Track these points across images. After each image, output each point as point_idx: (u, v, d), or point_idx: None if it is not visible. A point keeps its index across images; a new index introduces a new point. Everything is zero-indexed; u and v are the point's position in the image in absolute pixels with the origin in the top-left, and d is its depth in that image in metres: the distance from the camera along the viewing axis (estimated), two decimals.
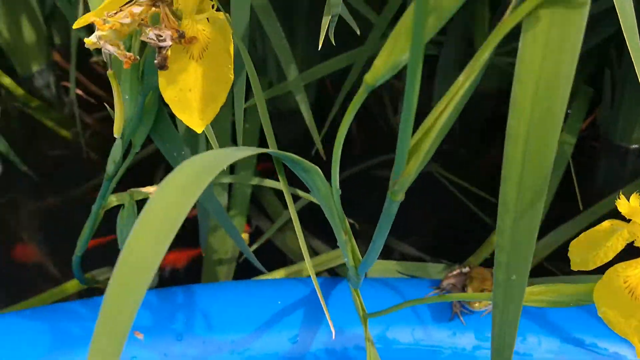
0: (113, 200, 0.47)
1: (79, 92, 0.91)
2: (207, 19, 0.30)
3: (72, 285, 0.69)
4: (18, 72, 0.90)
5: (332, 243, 0.70)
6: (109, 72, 0.30)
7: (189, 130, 0.51)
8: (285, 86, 0.60)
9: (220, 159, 0.22)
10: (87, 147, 0.89)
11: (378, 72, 0.21)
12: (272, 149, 0.24)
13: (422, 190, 0.78)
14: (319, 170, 0.26)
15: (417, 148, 0.21)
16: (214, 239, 0.67)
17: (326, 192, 0.27)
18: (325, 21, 0.29)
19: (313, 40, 0.75)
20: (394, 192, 0.23)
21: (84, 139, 0.89)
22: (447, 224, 0.71)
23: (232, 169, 0.71)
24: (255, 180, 0.59)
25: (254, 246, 0.67)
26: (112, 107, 0.95)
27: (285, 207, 0.71)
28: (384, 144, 0.82)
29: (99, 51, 0.86)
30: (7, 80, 0.86)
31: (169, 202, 0.21)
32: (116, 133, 0.32)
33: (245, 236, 0.68)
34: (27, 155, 0.84)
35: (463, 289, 0.47)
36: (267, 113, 0.34)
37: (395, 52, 0.20)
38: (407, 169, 0.22)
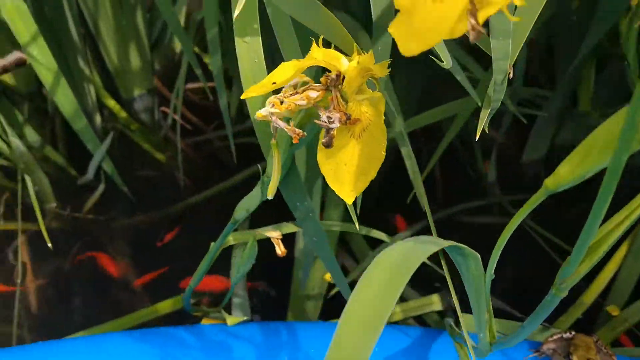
0: (230, 240, 0.50)
1: (176, 117, 0.96)
2: (368, 99, 0.32)
3: (163, 306, 0.72)
4: (122, 95, 0.96)
5: (417, 288, 0.71)
6: (273, 142, 0.33)
7: (306, 179, 0.53)
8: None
9: (419, 251, 0.24)
10: (178, 171, 0.94)
11: (562, 180, 0.22)
12: (444, 242, 0.25)
13: (511, 242, 0.78)
14: (479, 257, 0.28)
15: (591, 251, 0.23)
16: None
17: (479, 275, 0.28)
18: (484, 114, 0.31)
19: (411, 87, 0.77)
20: (559, 289, 0.24)
21: (176, 163, 0.94)
22: (537, 280, 0.71)
23: (321, 207, 0.73)
24: (343, 227, 0.60)
25: None
26: (202, 133, 0.98)
27: (372, 247, 0.73)
28: (469, 190, 0.82)
29: (194, 79, 0.90)
30: (111, 103, 0.93)
31: (373, 293, 0.22)
32: (270, 194, 0.34)
33: (329, 275, 0.70)
34: (124, 175, 0.88)
35: (568, 356, 0.47)
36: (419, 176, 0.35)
37: (586, 164, 0.22)
38: (578, 270, 0.23)
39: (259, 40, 0.42)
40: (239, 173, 0.89)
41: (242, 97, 0.34)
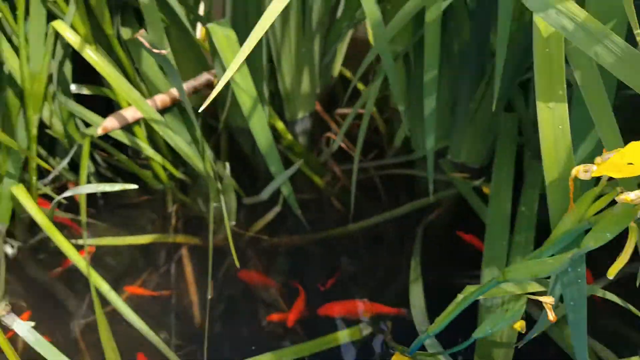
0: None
1: (343, 145, 0.97)
2: None
3: (343, 335, 0.73)
4: (286, 117, 0.98)
5: (614, 347, 0.68)
6: (632, 226, 0.33)
7: None
8: None
9: None
10: (334, 197, 0.95)
11: None
12: None
13: None
14: None
15: None
16: (488, 316, 0.68)
17: None
18: None
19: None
20: None
21: (333, 189, 0.95)
22: None
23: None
24: None
25: (531, 334, 0.67)
26: (351, 161, 0.99)
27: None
28: None
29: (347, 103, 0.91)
30: (280, 125, 0.95)
31: None
32: (611, 274, 0.34)
33: (521, 325, 0.69)
34: None
35: None
36: None
37: None
38: None
39: (565, 106, 0.42)
40: (401, 206, 0.90)
41: (572, 172, 0.34)
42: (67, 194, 0.70)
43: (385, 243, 0.89)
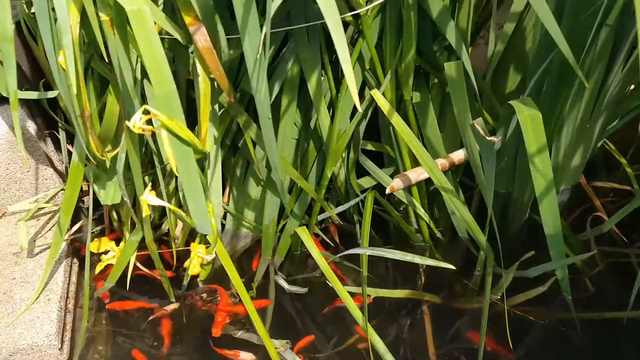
0: None
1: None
2: None
3: None
4: None
5: None
6: None
7: None
8: None
9: None
10: (589, 279, 0.91)
11: None
12: None
13: None
14: None
15: None
16: None
17: None
18: None
19: None
20: None
21: (590, 271, 0.91)
22: None
23: None
24: None
25: None
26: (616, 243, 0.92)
27: None
28: None
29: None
30: None
31: None
32: None
33: None
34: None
35: None
36: None
37: None
38: None
39: None
40: None
41: None
42: (358, 251, 0.74)
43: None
